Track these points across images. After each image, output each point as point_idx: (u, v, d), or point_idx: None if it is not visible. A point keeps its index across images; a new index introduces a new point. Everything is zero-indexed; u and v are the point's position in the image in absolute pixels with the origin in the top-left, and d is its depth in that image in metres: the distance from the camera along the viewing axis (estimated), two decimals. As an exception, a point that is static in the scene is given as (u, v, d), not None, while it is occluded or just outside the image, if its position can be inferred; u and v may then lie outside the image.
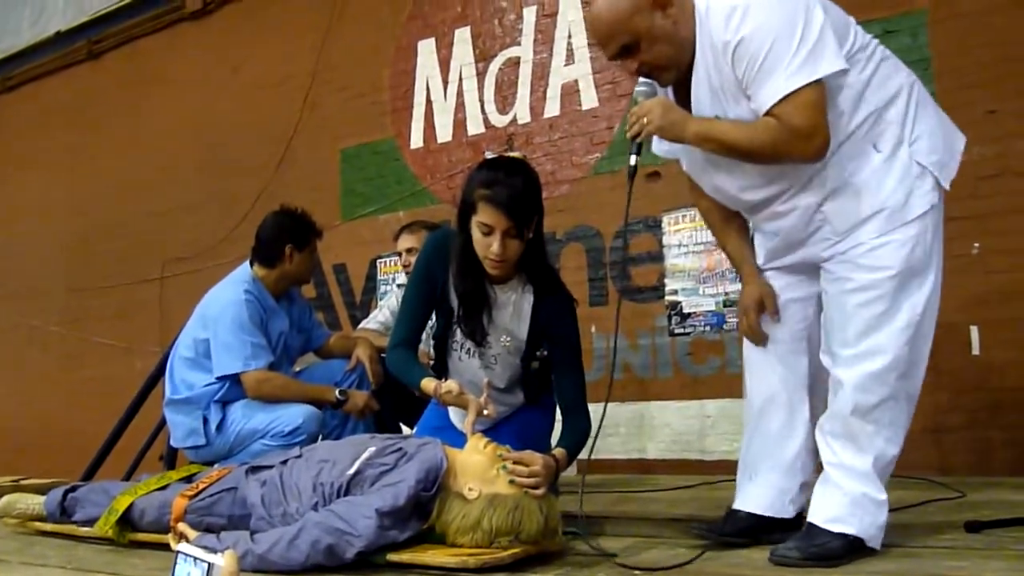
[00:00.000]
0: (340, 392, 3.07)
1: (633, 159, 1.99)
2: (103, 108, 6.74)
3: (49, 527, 2.71)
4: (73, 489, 2.71)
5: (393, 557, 1.98)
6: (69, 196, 6.91)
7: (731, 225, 2.17)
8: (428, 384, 2.32)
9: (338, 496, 2.06)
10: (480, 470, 2.06)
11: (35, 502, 2.76)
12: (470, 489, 2.03)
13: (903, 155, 1.88)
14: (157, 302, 6.05)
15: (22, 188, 7.25)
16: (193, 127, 6.20)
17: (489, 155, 2.41)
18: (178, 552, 1.25)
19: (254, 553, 1.98)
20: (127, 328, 6.25)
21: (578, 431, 2.39)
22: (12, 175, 7.35)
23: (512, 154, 2.61)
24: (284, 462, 2.26)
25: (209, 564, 1.22)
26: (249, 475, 2.28)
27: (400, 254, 3.66)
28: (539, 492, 2.04)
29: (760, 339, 2.11)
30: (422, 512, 2.04)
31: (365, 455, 2.11)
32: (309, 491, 2.11)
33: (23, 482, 4.00)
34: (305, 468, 2.18)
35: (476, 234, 2.29)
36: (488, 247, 2.27)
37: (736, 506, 2.14)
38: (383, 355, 3.32)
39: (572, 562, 2.03)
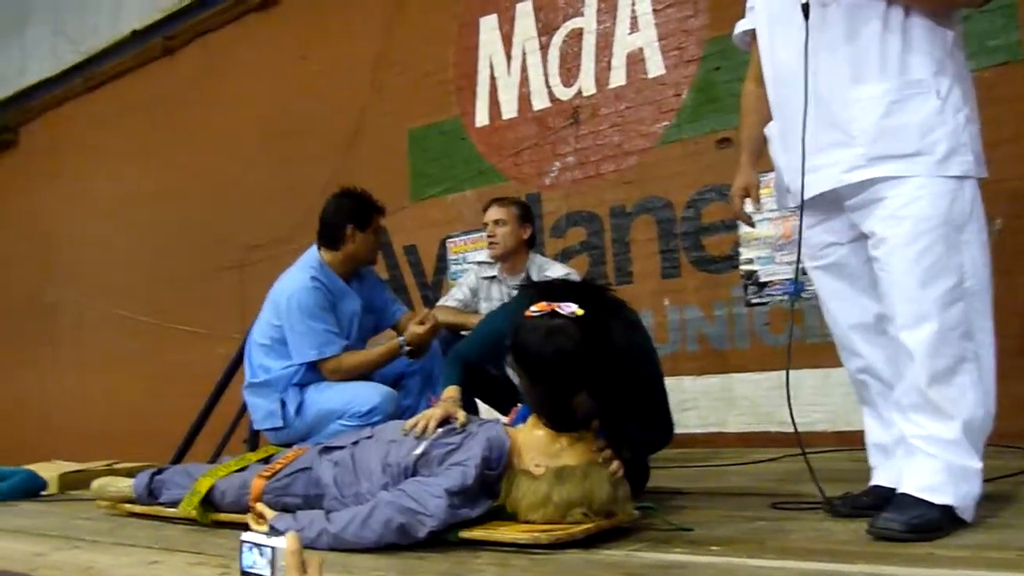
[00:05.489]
0: (403, 343, 3.10)
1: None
2: (178, 102, 6.92)
3: (138, 509, 2.80)
4: (159, 472, 2.79)
5: (465, 534, 1.97)
6: (150, 189, 7.13)
7: (756, 114, 2.27)
8: (446, 392, 2.38)
9: (406, 476, 2.07)
10: (543, 445, 2.04)
11: (124, 485, 2.86)
12: (536, 465, 2.01)
13: (960, 120, 1.92)
14: (236, 289, 6.20)
15: (107, 184, 7.51)
16: (264, 116, 6.31)
17: (533, 313, 2.07)
18: (242, 541, 1.27)
19: (329, 532, 2.01)
20: (209, 315, 6.43)
21: (647, 435, 2.38)
22: (98, 172, 7.61)
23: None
24: (355, 442, 2.28)
25: (273, 548, 1.24)
26: (322, 455, 2.31)
27: (486, 225, 3.64)
28: (613, 465, 2.05)
29: (747, 221, 2.37)
30: (490, 491, 2.04)
31: (432, 436, 2.11)
32: (379, 471, 2.12)
33: (116, 466, 4.15)
34: (375, 448, 2.20)
35: None
36: None
37: (877, 482, 2.09)
38: (463, 331, 3.34)
39: (646, 537, 1.99)
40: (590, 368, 2.01)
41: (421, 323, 3.12)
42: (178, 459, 4.29)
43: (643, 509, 2.12)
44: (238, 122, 6.49)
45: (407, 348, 3.10)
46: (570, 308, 2.02)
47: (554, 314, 2.02)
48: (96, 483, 2.96)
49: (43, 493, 3.79)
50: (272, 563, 1.26)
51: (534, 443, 2.06)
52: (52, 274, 7.96)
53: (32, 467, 3.94)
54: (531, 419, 2.11)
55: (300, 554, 1.25)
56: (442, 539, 1.97)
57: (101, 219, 7.55)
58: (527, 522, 1.99)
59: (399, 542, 1.96)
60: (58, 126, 8.00)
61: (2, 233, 8.57)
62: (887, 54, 1.92)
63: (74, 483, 3.84)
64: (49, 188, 8.08)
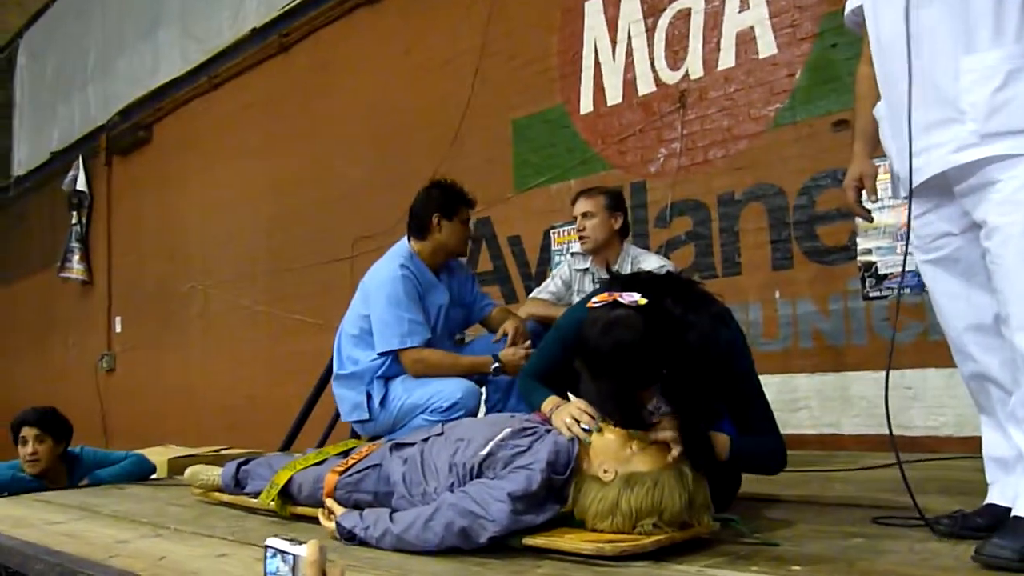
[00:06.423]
0: (495, 363, 3.01)
1: None
2: (293, 97, 7.09)
3: (226, 498, 2.85)
4: (246, 462, 2.83)
5: (529, 541, 1.87)
6: (268, 183, 7.34)
7: (870, 99, 2.10)
8: (547, 405, 2.16)
9: (471, 477, 1.99)
10: (613, 450, 1.91)
11: (214, 473, 2.91)
12: (605, 471, 1.89)
13: None
14: (346, 279, 6.29)
15: (230, 177, 7.79)
16: (372, 109, 6.38)
17: (595, 304, 1.96)
18: (266, 546, 1.24)
19: (392, 533, 1.96)
20: (322, 305, 6.55)
21: (757, 442, 2.17)
22: (222, 166, 7.91)
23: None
24: (426, 439, 2.22)
25: (294, 556, 1.21)
26: (393, 452, 2.27)
27: (576, 218, 3.54)
28: (675, 450, 1.89)
29: (863, 215, 2.17)
30: (558, 496, 1.93)
31: (499, 436, 2.02)
32: (446, 471, 2.05)
33: (224, 452, 4.28)
34: (444, 446, 2.13)
35: None
36: None
37: (993, 500, 1.89)
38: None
39: (724, 552, 1.83)
40: (656, 360, 1.87)
41: (514, 342, 3.06)
42: (286, 447, 4.39)
43: (724, 521, 1.96)
44: (348, 115, 6.59)
45: (497, 370, 3.02)
46: (632, 297, 1.88)
47: (615, 304, 1.90)
48: (189, 471, 3.03)
49: (153, 477, 3.93)
50: (294, 570, 1.24)
51: (604, 447, 1.93)
52: (183, 264, 8.33)
53: (144, 451, 4.10)
54: (601, 422, 1.99)
55: (320, 564, 1.21)
56: (506, 544, 1.89)
57: (225, 211, 7.84)
58: (595, 531, 1.87)
59: (461, 546, 1.89)
60: (186, 123, 8.37)
61: (140, 226, 9.06)
62: (1003, 18, 1.70)
63: (182, 468, 3.95)
64: (179, 182, 8.46)
